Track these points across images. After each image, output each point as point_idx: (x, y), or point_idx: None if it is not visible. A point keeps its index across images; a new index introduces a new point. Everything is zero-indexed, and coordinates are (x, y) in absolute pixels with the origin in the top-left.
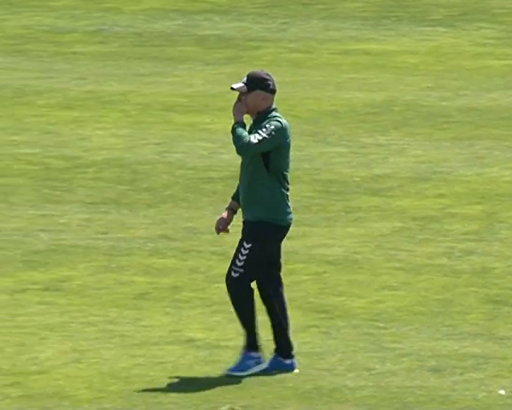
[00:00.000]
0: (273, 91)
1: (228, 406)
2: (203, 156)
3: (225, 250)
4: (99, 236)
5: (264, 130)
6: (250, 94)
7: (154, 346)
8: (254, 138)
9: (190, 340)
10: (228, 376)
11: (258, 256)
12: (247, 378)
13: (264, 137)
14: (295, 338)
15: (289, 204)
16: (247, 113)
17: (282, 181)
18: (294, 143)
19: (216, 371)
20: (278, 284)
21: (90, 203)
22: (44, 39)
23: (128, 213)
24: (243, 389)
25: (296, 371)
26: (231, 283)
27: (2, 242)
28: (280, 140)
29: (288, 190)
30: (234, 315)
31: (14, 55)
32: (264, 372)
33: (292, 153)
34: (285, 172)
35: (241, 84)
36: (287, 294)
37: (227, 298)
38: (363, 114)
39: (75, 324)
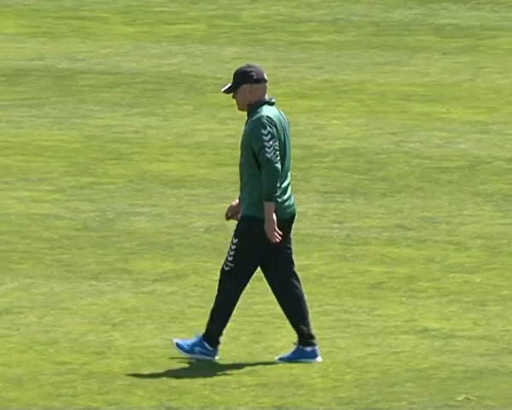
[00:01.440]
0: (258, 81)
1: (463, 396)
2: (439, 146)
3: (461, 240)
4: (334, 225)
5: (265, 147)
6: (238, 91)
7: (390, 335)
8: (269, 158)
9: (425, 330)
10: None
11: (247, 252)
12: (483, 369)
13: (272, 149)
14: None
15: (284, 198)
16: (241, 109)
17: (280, 177)
18: None
19: (451, 360)
20: (286, 278)
21: (326, 192)
22: (281, 29)
23: (363, 202)
24: (478, 380)
25: (319, 358)
26: (222, 275)
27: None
28: (277, 138)
29: (283, 184)
30: (470, 305)
31: (251, 45)
32: (289, 361)
33: None
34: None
35: (227, 86)
36: None
37: (464, 288)
38: None
39: (311, 313)
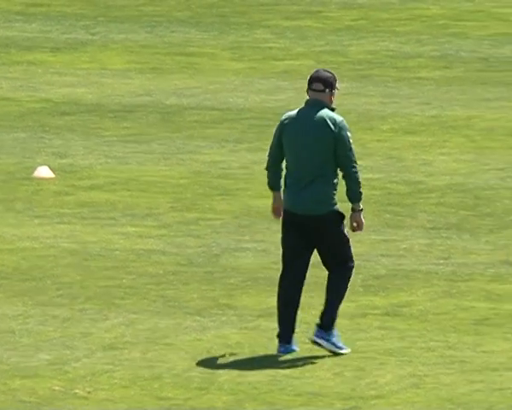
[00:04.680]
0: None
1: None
2: None
3: None
4: (440, 261)
5: None
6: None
7: (494, 372)
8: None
9: None
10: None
11: (282, 242)
12: None
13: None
14: None
15: (292, 192)
16: None
17: (288, 172)
18: None
19: None
20: (296, 275)
21: (432, 228)
22: (389, 64)
23: (469, 238)
24: None
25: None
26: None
27: None
28: (276, 137)
29: (290, 179)
30: None
31: (359, 81)
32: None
33: None
34: (288, 164)
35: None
36: None
37: None
38: None
39: (414, 349)
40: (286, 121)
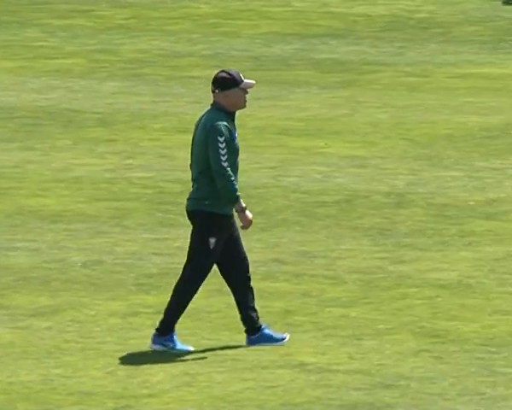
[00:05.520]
0: None
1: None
2: (317, 180)
3: (338, 274)
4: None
5: None
6: None
7: (265, 370)
8: None
9: (301, 364)
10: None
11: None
12: (358, 403)
13: None
14: (407, 363)
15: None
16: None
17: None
18: (409, 166)
19: (327, 395)
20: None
21: None
22: (160, 63)
23: (241, 236)
24: None
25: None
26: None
27: (116, 265)
28: None
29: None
30: (346, 339)
31: (131, 80)
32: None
33: (406, 177)
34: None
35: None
36: (399, 318)
37: (340, 322)
38: (479, 138)
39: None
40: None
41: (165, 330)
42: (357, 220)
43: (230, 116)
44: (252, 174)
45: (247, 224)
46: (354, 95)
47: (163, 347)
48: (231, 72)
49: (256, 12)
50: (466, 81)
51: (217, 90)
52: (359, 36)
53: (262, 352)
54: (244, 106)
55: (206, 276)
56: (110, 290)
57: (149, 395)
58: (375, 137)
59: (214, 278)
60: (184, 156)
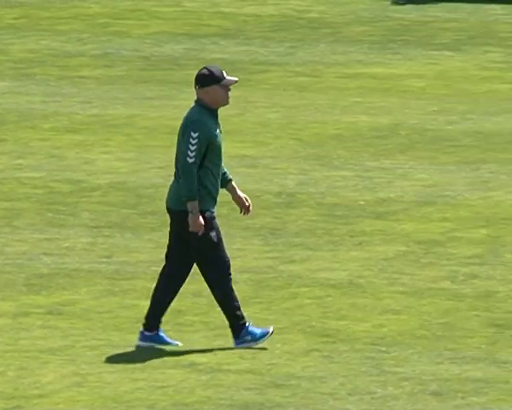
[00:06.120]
0: None
1: None
2: None
3: None
4: (103, 259)
5: None
6: None
7: (156, 370)
8: None
9: (192, 364)
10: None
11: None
12: (249, 403)
13: None
14: (297, 362)
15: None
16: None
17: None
18: (299, 165)
19: (218, 394)
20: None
21: (94, 227)
22: (51, 63)
23: (132, 236)
24: None
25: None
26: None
27: (6, 265)
28: None
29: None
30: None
31: (21, 79)
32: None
33: (297, 177)
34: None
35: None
36: (290, 317)
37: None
38: (369, 138)
39: (77, 347)
40: None
41: (238, 333)
42: (247, 220)
43: (212, 113)
44: (142, 174)
45: (195, 227)
46: (244, 95)
47: (246, 344)
48: (212, 68)
49: (146, 12)
50: (355, 81)
51: (197, 87)
52: (249, 36)
53: (153, 352)
54: (226, 103)
55: (227, 268)
56: (0, 291)
57: (40, 396)
58: (266, 137)
59: (104, 280)
60: (74, 156)
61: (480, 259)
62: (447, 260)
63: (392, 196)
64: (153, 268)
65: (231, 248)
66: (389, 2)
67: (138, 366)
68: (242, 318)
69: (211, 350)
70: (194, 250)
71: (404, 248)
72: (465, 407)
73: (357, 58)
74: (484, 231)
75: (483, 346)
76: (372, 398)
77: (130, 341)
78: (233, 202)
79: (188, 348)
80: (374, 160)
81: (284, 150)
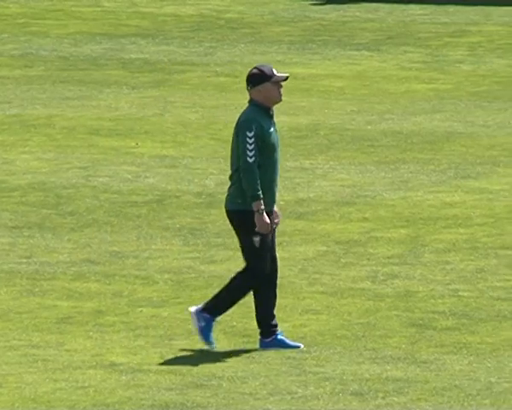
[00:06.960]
0: None
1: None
2: (127, 180)
3: (149, 274)
4: (22, 260)
5: None
6: None
7: (77, 370)
8: None
9: (113, 364)
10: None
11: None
12: (170, 403)
13: None
14: (218, 362)
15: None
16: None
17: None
18: (219, 166)
19: (138, 395)
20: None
21: (14, 227)
22: None
23: (52, 236)
24: None
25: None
26: None
27: None
28: None
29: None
30: (157, 339)
31: None
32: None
33: (217, 177)
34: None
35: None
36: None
37: (152, 322)
38: (288, 138)
39: None
40: None
41: (266, 332)
42: (168, 220)
43: (267, 111)
44: (62, 175)
45: (262, 228)
46: (164, 95)
47: (272, 346)
48: (262, 67)
49: (65, 12)
50: None
51: (249, 87)
52: (168, 36)
53: (74, 353)
54: (279, 99)
55: (264, 276)
56: None
57: None
58: (186, 137)
59: (23, 280)
60: None
61: (399, 259)
62: (367, 260)
63: (311, 196)
64: (73, 269)
65: (151, 248)
66: (308, 3)
67: (58, 366)
68: (271, 326)
69: (131, 350)
70: (242, 249)
71: (324, 249)
72: (386, 407)
73: (276, 58)
74: (404, 231)
75: (403, 346)
76: (293, 398)
77: (51, 341)
78: (153, 202)
79: (108, 349)
80: (293, 160)
81: (204, 150)
